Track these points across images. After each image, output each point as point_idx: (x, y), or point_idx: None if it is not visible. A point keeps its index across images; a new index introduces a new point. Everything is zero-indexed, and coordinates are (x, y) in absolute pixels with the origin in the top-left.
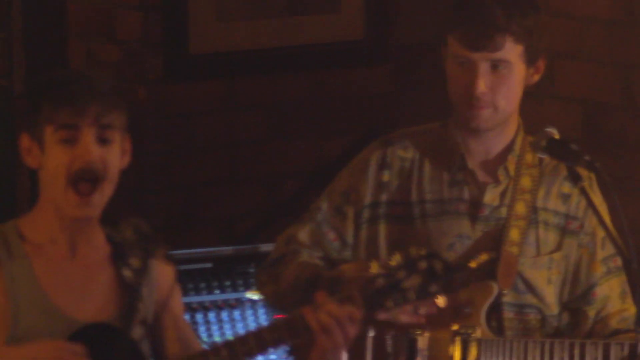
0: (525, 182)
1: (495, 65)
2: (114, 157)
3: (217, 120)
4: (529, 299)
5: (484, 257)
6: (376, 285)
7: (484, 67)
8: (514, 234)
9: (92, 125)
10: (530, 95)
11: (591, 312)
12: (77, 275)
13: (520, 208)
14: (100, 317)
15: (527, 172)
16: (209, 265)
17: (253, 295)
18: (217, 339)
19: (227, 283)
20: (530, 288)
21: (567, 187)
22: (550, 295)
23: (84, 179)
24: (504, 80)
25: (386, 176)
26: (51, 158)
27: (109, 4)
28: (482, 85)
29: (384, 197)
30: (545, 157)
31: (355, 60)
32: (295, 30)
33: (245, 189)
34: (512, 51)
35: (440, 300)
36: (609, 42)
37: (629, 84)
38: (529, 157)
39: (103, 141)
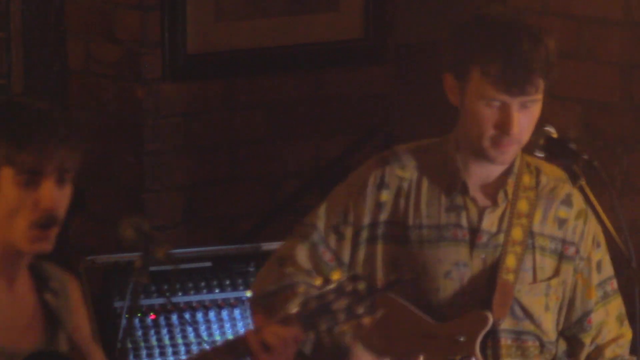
0: (522, 205)
1: (525, 104)
2: (68, 197)
3: (216, 120)
4: (527, 325)
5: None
6: (309, 308)
7: (516, 108)
8: (510, 261)
9: (55, 170)
10: None
11: (587, 340)
12: (14, 308)
13: (517, 233)
14: (38, 345)
15: (524, 195)
16: (208, 264)
17: None
18: (217, 337)
19: (227, 282)
20: (528, 315)
21: (563, 212)
22: (548, 321)
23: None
24: (532, 117)
25: (384, 196)
26: (8, 200)
27: (107, 3)
28: (517, 127)
29: (382, 217)
30: (542, 179)
31: (354, 59)
32: (293, 30)
33: (244, 188)
34: (541, 89)
35: (367, 321)
36: (608, 42)
37: (628, 84)
38: (526, 179)
39: (61, 182)
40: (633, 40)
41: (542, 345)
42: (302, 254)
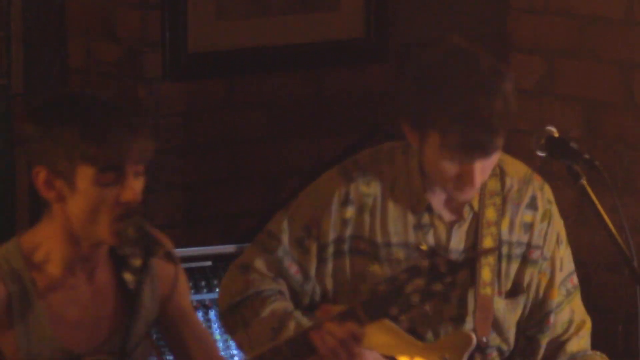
0: (490, 214)
1: (486, 157)
2: (142, 186)
3: (216, 119)
4: (493, 339)
5: (486, 249)
6: (379, 294)
7: (478, 162)
8: (485, 274)
9: (134, 164)
10: (530, 93)
11: (543, 341)
12: (95, 300)
13: (488, 243)
14: (115, 332)
15: (491, 201)
16: (208, 263)
17: None
18: (217, 337)
19: None
20: (497, 328)
21: (529, 216)
22: (514, 331)
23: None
24: (492, 162)
25: (349, 212)
26: (88, 197)
27: (108, 2)
28: (479, 178)
29: (348, 232)
30: (507, 182)
31: (354, 58)
32: (294, 29)
33: (245, 187)
34: (503, 140)
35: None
36: (609, 41)
37: (629, 83)
38: (491, 184)
39: (137, 175)
40: (634, 40)
41: (501, 355)
42: (262, 264)
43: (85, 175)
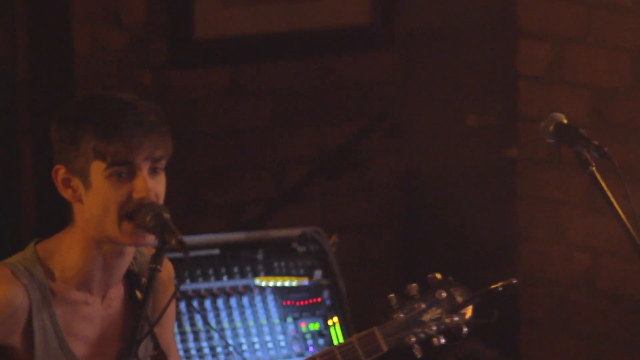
0: None
1: None
2: (163, 184)
3: (222, 107)
4: None
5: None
6: (396, 321)
7: None
8: None
9: (147, 160)
10: (538, 80)
11: None
12: (102, 321)
13: None
14: (119, 353)
15: None
16: (216, 251)
17: (261, 282)
18: (225, 325)
19: (235, 269)
20: None
21: None
22: None
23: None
24: None
25: None
26: (101, 194)
27: None
28: None
29: None
30: None
31: (361, 45)
32: (300, 16)
33: (251, 175)
34: None
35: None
36: (618, 28)
37: (638, 70)
38: None
39: (154, 171)
40: None
41: None
42: None
43: (97, 171)
